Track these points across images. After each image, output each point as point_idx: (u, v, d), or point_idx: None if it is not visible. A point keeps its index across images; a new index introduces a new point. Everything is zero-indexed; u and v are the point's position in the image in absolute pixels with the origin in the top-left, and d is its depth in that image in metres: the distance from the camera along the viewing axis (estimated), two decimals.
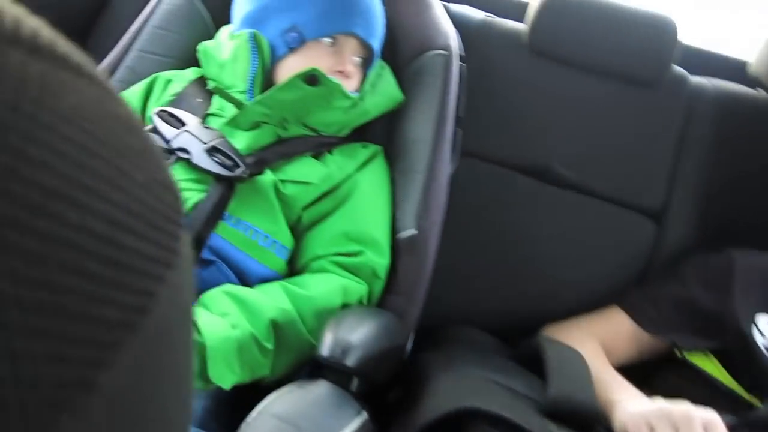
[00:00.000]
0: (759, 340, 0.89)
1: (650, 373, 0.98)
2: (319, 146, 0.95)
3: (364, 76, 1.00)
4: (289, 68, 0.93)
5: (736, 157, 1.16)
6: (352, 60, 0.96)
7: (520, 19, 1.27)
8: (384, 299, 0.90)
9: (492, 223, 1.16)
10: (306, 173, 0.91)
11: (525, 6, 1.27)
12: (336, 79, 0.93)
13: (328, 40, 0.94)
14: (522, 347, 0.88)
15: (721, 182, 1.16)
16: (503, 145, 1.20)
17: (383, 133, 1.06)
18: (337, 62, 0.94)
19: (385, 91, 1.01)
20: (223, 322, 0.74)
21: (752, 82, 1.23)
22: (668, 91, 1.19)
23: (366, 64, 1.00)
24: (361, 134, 1.03)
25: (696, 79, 1.22)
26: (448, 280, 1.04)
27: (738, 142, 1.16)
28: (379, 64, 1.03)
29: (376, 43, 0.99)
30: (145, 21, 1.07)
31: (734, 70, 1.28)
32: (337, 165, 0.94)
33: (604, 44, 1.18)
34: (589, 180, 1.17)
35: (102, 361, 0.16)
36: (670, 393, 0.80)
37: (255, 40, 0.93)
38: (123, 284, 0.17)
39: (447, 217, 1.01)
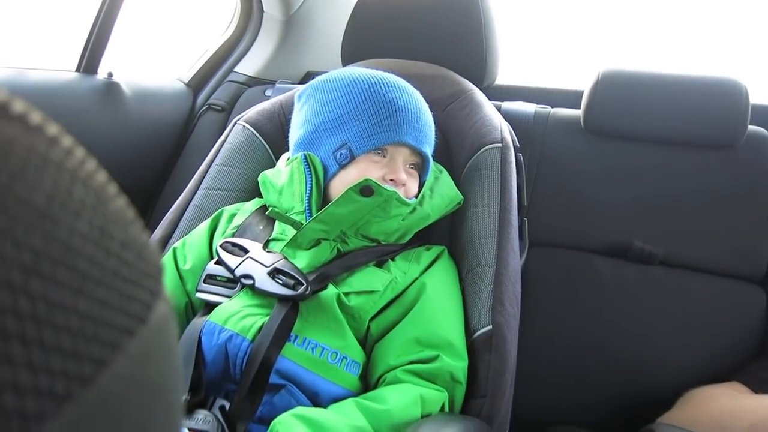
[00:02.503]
0: None
1: None
2: (382, 255, 0.94)
3: (422, 182, 0.99)
4: (342, 182, 0.94)
5: None
6: (404, 168, 0.96)
7: (573, 107, 1.27)
8: (467, 404, 0.83)
9: (577, 311, 1.08)
10: (369, 282, 0.89)
11: (576, 93, 1.27)
12: (390, 187, 0.93)
13: (378, 152, 0.95)
14: None
15: None
16: (575, 229, 1.15)
17: (447, 234, 1.03)
18: (389, 171, 0.94)
19: (443, 193, 1.00)
20: None
21: None
22: (749, 151, 1.12)
23: (420, 169, 1.00)
24: (423, 236, 1.01)
25: None
26: (538, 377, 0.95)
27: None
28: (436, 168, 1.03)
29: (428, 148, 0.98)
30: (211, 161, 1.14)
31: None
32: (400, 270, 0.92)
33: (670, 114, 1.14)
34: (680, 252, 1.08)
35: (47, 414, 0.15)
36: None
37: (308, 161, 0.96)
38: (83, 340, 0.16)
39: (526, 311, 0.96)
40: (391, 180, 0.93)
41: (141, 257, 0.18)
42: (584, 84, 1.26)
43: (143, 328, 0.18)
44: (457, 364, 0.83)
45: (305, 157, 0.96)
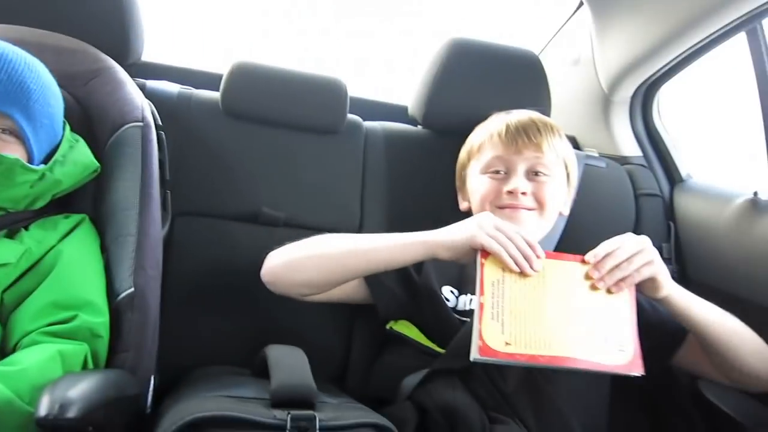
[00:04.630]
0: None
1: None
2: (12, 224, 0.93)
3: (30, 145, 0.96)
4: None
5: (403, 176, 1.43)
6: None
7: (216, 89, 1.41)
8: (112, 359, 0.91)
9: (216, 268, 1.27)
10: (1, 255, 0.88)
11: (218, 77, 1.41)
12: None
13: None
14: (257, 361, 0.96)
15: (399, 195, 1.41)
16: (215, 199, 1.32)
17: (92, 205, 1.08)
18: None
19: (77, 161, 1.02)
20: None
21: (412, 121, 1.54)
22: (348, 136, 1.44)
23: (21, 133, 0.95)
24: (66, 207, 1.04)
25: (369, 123, 1.48)
26: (186, 328, 1.12)
27: (402, 165, 1.44)
28: (71, 137, 1.05)
29: (15, 110, 0.93)
30: None
31: (399, 113, 1.59)
32: (35, 240, 0.93)
33: (289, 103, 1.39)
34: (298, 215, 1.34)
35: None
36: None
37: None
38: None
39: (174, 273, 1.10)
40: None
41: None
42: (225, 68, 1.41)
43: None
44: (97, 319, 0.88)
45: None
